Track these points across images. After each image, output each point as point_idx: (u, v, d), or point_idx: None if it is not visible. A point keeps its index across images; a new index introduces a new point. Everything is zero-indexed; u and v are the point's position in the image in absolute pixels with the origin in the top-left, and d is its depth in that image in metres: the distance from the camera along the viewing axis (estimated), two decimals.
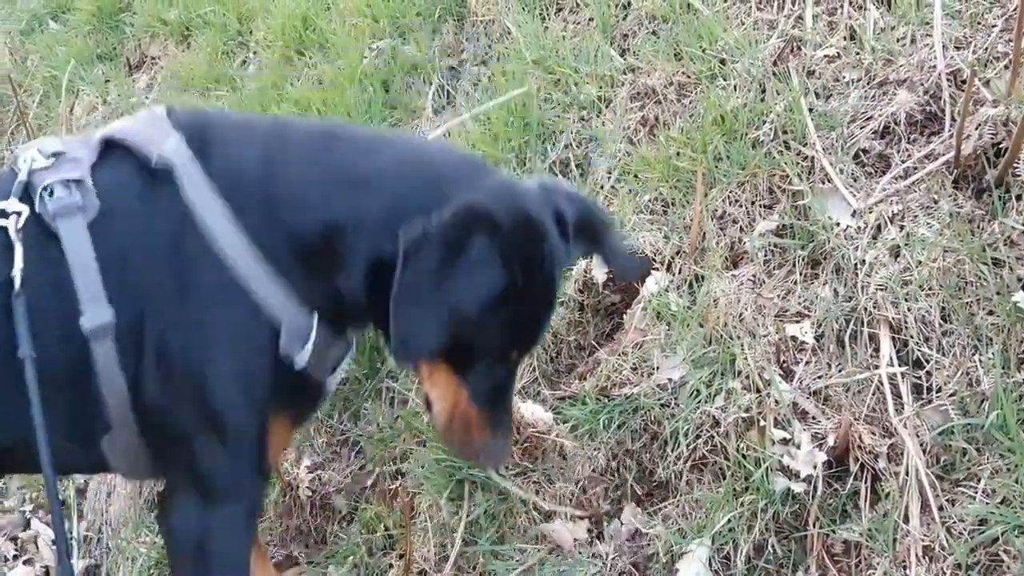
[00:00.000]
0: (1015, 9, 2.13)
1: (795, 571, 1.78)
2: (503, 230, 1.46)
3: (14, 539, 2.69)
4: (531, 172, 2.62)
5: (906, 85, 2.17)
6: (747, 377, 1.97)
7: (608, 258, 1.76)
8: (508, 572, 1.93)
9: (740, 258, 2.19)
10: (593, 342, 2.25)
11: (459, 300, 1.45)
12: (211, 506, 1.58)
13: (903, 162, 2.09)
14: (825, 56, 2.35)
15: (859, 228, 2.04)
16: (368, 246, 1.50)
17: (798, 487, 1.81)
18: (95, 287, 1.49)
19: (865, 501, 1.77)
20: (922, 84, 2.15)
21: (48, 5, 5.05)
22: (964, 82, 2.08)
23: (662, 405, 2.03)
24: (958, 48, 2.16)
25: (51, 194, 1.51)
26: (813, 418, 1.89)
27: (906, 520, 1.70)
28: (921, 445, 1.77)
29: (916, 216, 1.99)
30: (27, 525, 2.75)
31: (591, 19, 2.83)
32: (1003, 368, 1.74)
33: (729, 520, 1.83)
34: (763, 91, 2.36)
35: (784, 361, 1.99)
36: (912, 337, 1.88)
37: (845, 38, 2.35)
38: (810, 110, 2.25)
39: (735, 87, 2.41)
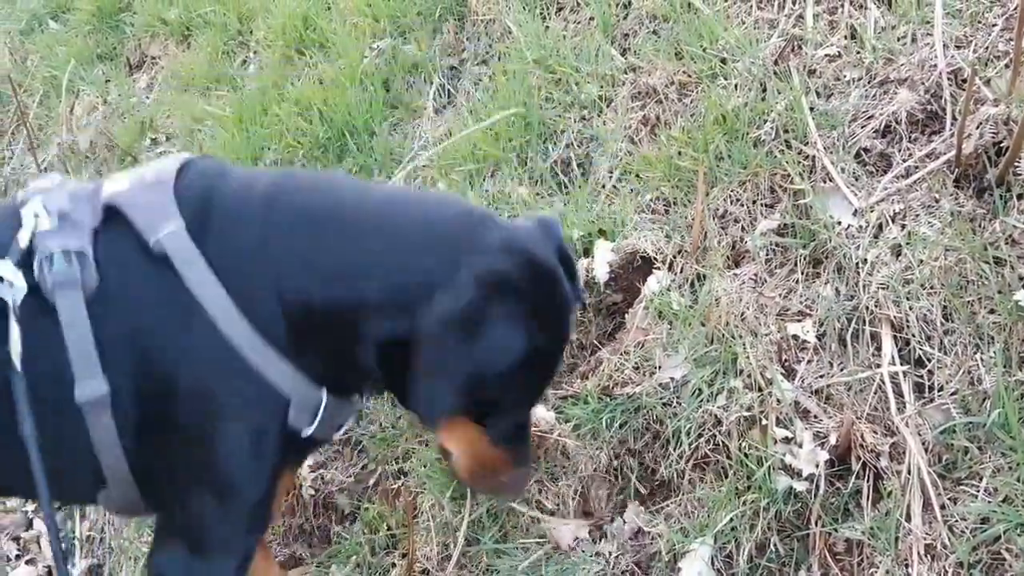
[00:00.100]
0: (1015, 8, 2.13)
1: (797, 570, 1.78)
2: (520, 292, 1.46)
3: (16, 539, 2.69)
4: (532, 172, 2.63)
5: (907, 84, 2.18)
6: (749, 376, 1.97)
7: None
8: (511, 571, 1.93)
9: (742, 257, 2.19)
10: (595, 341, 2.25)
11: (486, 369, 1.45)
12: (203, 557, 1.57)
13: (904, 161, 2.09)
14: (826, 55, 2.35)
15: (860, 227, 2.05)
16: (379, 324, 1.49)
17: (800, 486, 1.81)
18: (91, 361, 1.48)
19: (867, 500, 1.78)
20: (923, 83, 2.15)
21: (48, 5, 5.05)
22: (965, 81, 2.08)
23: (664, 404, 2.03)
24: (959, 47, 2.16)
25: (51, 264, 1.49)
26: (815, 417, 1.90)
27: (908, 519, 1.71)
28: (923, 444, 1.77)
29: (917, 215, 1.99)
30: (29, 525, 2.75)
31: (592, 18, 2.83)
32: (1005, 367, 1.75)
33: (731, 519, 1.83)
34: (764, 90, 2.36)
35: (786, 360, 1.99)
36: (914, 336, 1.88)
37: (846, 37, 2.35)
38: (811, 109, 2.25)
39: (736, 86, 2.41)
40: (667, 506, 1.94)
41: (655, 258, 2.26)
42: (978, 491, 1.67)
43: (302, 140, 3.16)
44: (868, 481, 1.79)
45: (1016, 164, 1.90)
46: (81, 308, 1.48)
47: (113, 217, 1.55)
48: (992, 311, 1.82)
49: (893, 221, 2.01)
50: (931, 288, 1.90)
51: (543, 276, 1.52)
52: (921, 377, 1.86)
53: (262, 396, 1.50)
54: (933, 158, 2.05)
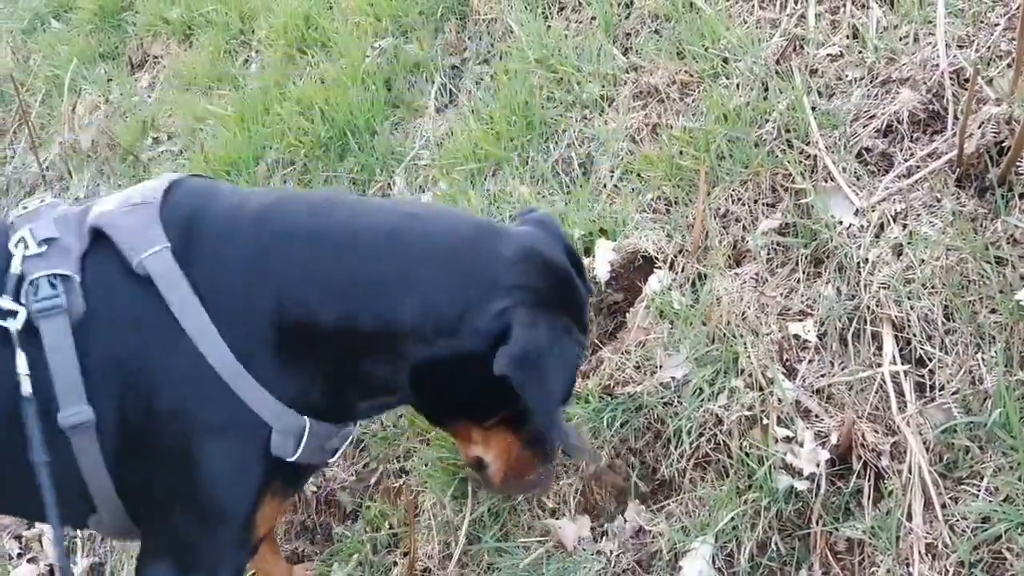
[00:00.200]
0: (1017, 8, 2.14)
1: (798, 569, 1.78)
2: (554, 301, 1.49)
3: (18, 537, 2.69)
4: (534, 171, 2.63)
5: (909, 84, 2.18)
6: (750, 375, 1.97)
7: None
8: (512, 569, 1.94)
9: (743, 256, 2.20)
10: (596, 341, 2.25)
11: (565, 383, 1.52)
12: (187, 573, 1.57)
13: (906, 161, 2.09)
14: (828, 55, 2.35)
15: (862, 227, 2.05)
16: (414, 354, 1.48)
17: (801, 485, 1.81)
18: (75, 387, 1.47)
19: (868, 499, 1.78)
20: (925, 83, 2.15)
21: (50, 4, 5.05)
22: (967, 80, 2.08)
23: (665, 403, 2.03)
24: (961, 47, 2.16)
25: (36, 291, 1.48)
26: (816, 416, 1.90)
27: (909, 518, 1.71)
28: (924, 443, 1.77)
29: (919, 215, 1.99)
30: (31, 523, 2.75)
31: (593, 18, 2.83)
32: (1006, 366, 1.75)
33: (732, 518, 1.83)
34: (766, 90, 2.36)
35: (787, 359, 1.99)
36: (915, 335, 1.88)
37: (848, 37, 2.35)
38: (813, 109, 2.25)
39: (738, 86, 2.41)
40: (668, 505, 1.94)
41: (656, 257, 2.26)
42: (979, 490, 1.68)
43: (304, 139, 3.17)
44: (869, 480, 1.79)
45: (1018, 163, 1.90)
46: (66, 334, 1.47)
47: (99, 240, 1.54)
48: (993, 311, 1.82)
49: (894, 221, 2.01)
50: (932, 288, 1.90)
51: (564, 281, 1.55)
52: (922, 376, 1.86)
53: (242, 422, 1.49)
54: (935, 158, 2.05)
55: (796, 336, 2.00)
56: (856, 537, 1.75)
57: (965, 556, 1.61)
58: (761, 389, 1.95)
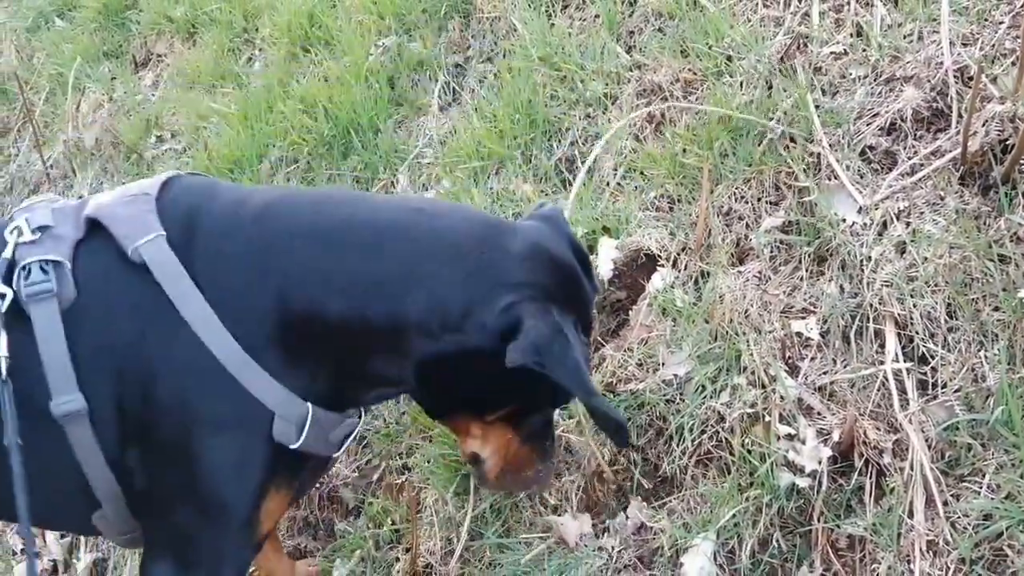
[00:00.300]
0: (1022, 6, 2.13)
1: (799, 566, 1.78)
2: (561, 298, 1.48)
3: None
4: (537, 169, 2.63)
5: (913, 82, 2.18)
6: (752, 373, 1.97)
7: None
8: (514, 565, 1.94)
9: (746, 254, 2.20)
10: (599, 338, 2.25)
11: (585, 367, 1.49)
12: (190, 570, 1.56)
13: (909, 159, 2.09)
14: (832, 53, 2.35)
15: (865, 224, 2.05)
16: (420, 348, 1.48)
17: (803, 482, 1.81)
18: (66, 374, 1.46)
19: (870, 496, 1.78)
20: (929, 81, 2.15)
21: (54, 2, 5.06)
22: (971, 79, 2.08)
23: (667, 401, 2.03)
24: (965, 45, 2.16)
25: (28, 275, 1.48)
26: (818, 414, 1.90)
27: (910, 515, 1.71)
28: (926, 441, 1.77)
29: (922, 213, 1.99)
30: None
31: (597, 16, 2.84)
32: (1009, 364, 1.75)
33: (734, 515, 1.83)
34: (769, 88, 2.36)
35: (790, 357, 1.99)
36: (917, 333, 1.88)
37: (852, 35, 2.35)
38: (816, 107, 2.25)
39: (741, 84, 2.41)
40: (670, 502, 1.94)
41: (659, 255, 2.26)
42: (981, 488, 1.67)
43: (307, 137, 3.17)
44: (871, 478, 1.79)
45: (1022, 162, 1.90)
46: (56, 320, 1.47)
47: (95, 230, 1.55)
48: (996, 308, 1.82)
49: (898, 218, 2.01)
50: (935, 285, 1.90)
51: (570, 278, 1.54)
52: (925, 374, 1.86)
53: (244, 409, 1.48)
54: (938, 155, 2.05)
55: (799, 334, 2.00)
56: (857, 534, 1.75)
57: (966, 553, 1.61)
58: (763, 386, 1.95)
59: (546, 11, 2.97)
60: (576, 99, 2.69)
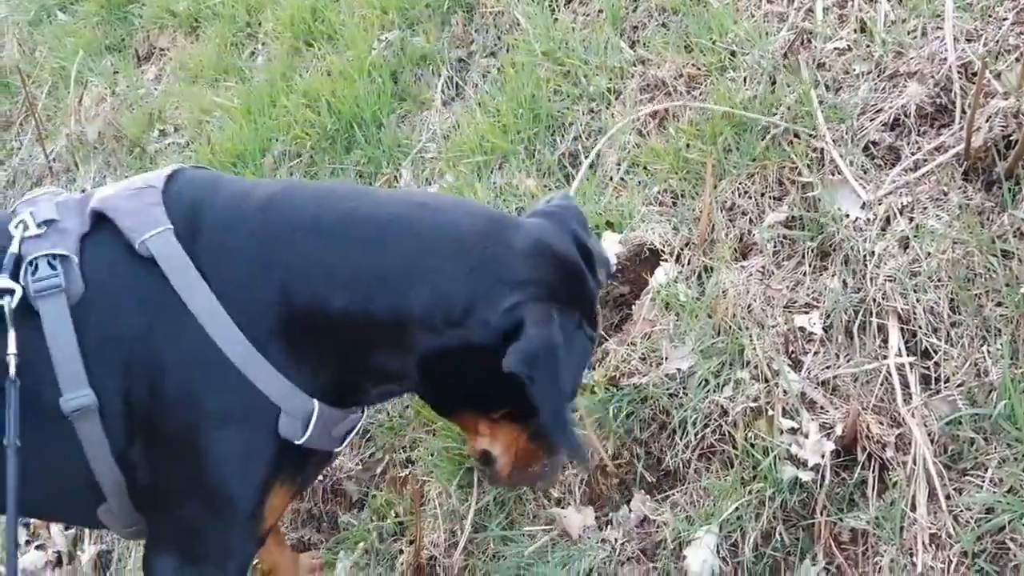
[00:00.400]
0: None
1: (802, 559, 1.79)
2: (564, 296, 1.47)
3: (26, 525, 2.71)
4: (540, 164, 2.64)
5: (917, 77, 2.18)
6: (755, 367, 1.98)
7: None
8: (517, 557, 1.95)
9: (749, 249, 2.20)
10: (602, 332, 2.26)
11: (575, 381, 1.50)
12: (194, 564, 1.56)
13: (913, 154, 2.10)
14: (835, 48, 2.36)
15: (868, 220, 2.05)
16: (422, 343, 1.47)
17: (806, 476, 1.82)
18: (75, 369, 1.46)
19: (872, 490, 1.79)
20: (933, 76, 2.16)
21: None
22: (975, 74, 2.08)
23: (670, 395, 2.04)
24: (969, 41, 2.17)
25: (35, 270, 1.47)
26: (821, 408, 1.91)
27: (913, 509, 1.72)
28: (929, 435, 1.78)
29: (925, 208, 2.00)
30: None
31: (601, 11, 2.84)
32: (1011, 359, 1.75)
33: (737, 508, 1.84)
34: (773, 83, 2.37)
35: (793, 351, 2.00)
36: (920, 328, 1.89)
37: (855, 30, 2.35)
38: (820, 102, 2.26)
39: (745, 79, 2.42)
40: (673, 495, 1.95)
41: (662, 250, 2.26)
42: (983, 482, 1.68)
43: (310, 131, 3.17)
44: (873, 472, 1.80)
45: None
46: (65, 314, 1.46)
47: (100, 223, 1.54)
48: (999, 304, 1.83)
49: (901, 214, 2.02)
50: (938, 280, 1.90)
51: (574, 275, 1.52)
52: (927, 369, 1.87)
53: (251, 405, 1.48)
54: (942, 151, 2.06)
55: (802, 328, 2.01)
56: (860, 527, 1.75)
57: (969, 546, 1.62)
58: (766, 381, 1.95)
59: (549, 6, 2.97)
60: (579, 94, 2.70)
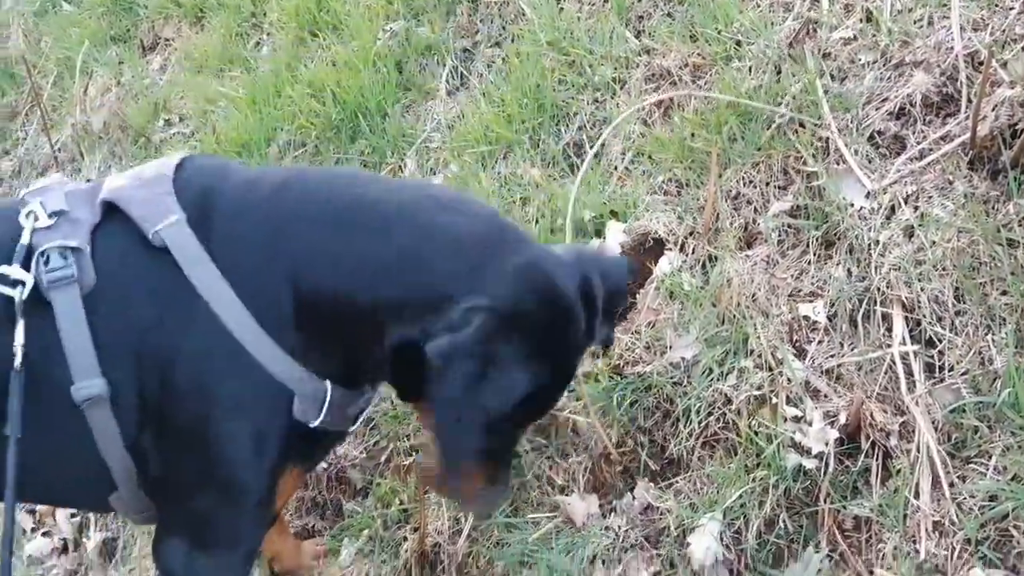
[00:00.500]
0: None
1: (806, 546, 1.80)
2: (531, 326, 1.43)
3: (32, 512, 2.72)
4: (545, 154, 2.64)
5: (923, 67, 2.18)
6: (759, 356, 1.99)
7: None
8: (521, 544, 1.95)
9: (754, 238, 2.20)
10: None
11: (493, 406, 1.42)
12: (204, 549, 1.58)
13: (918, 143, 2.10)
14: (841, 38, 2.35)
15: (873, 209, 2.05)
16: (394, 326, 1.47)
17: (810, 463, 1.82)
18: (88, 359, 1.47)
19: (876, 478, 1.79)
20: (939, 66, 2.15)
21: None
22: (981, 64, 2.08)
23: (674, 383, 2.04)
24: (975, 30, 2.16)
25: (47, 261, 1.48)
26: (825, 396, 1.91)
27: (916, 496, 1.72)
28: (933, 423, 1.78)
29: (931, 197, 1.99)
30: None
31: (606, 0, 2.83)
32: (1016, 347, 1.75)
33: (740, 495, 1.84)
34: (778, 72, 2.37)
35: (797, 340, 2.00)
36: (925, 316, 1.89)
37: (861, 20, 2.35)
38: (825, 92, 2.25)
39: (750, 69, 2.42)
40: (677, 482, 1.95)
41: (667, 239, 2.26)
42: (987, 470, 1.69)
43: (315, 121, 3.17)
44: (877, 459, 1.80)
45: None
46: (78, 305, 1.47)
47: (111, 213, 1.54)
48: (1004, 292, 1.83)
49: (906, 203, 2.02)
50: (943, 269, 1.90)
51: (557, 311, 1.47)
52: (932, 357, 1.87)
53: (265, 390, 1.49)
54: (947, 140, 2.06)
55: (806, 317, 2.01)
56: (864, 515, 1.76)
57: (972, 533, 1.62)
58: (770, 369, 1.96)
59: None
60: (584, 84, 2.70)
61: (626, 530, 1.89)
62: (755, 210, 2.23)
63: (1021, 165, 1.92)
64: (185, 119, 3.78)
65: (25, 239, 1.50)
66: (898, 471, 1.76)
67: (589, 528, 1.93)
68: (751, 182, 2.25)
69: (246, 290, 1.48)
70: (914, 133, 2.12)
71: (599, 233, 2.34)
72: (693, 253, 2.24)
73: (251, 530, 1.62)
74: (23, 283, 1.47)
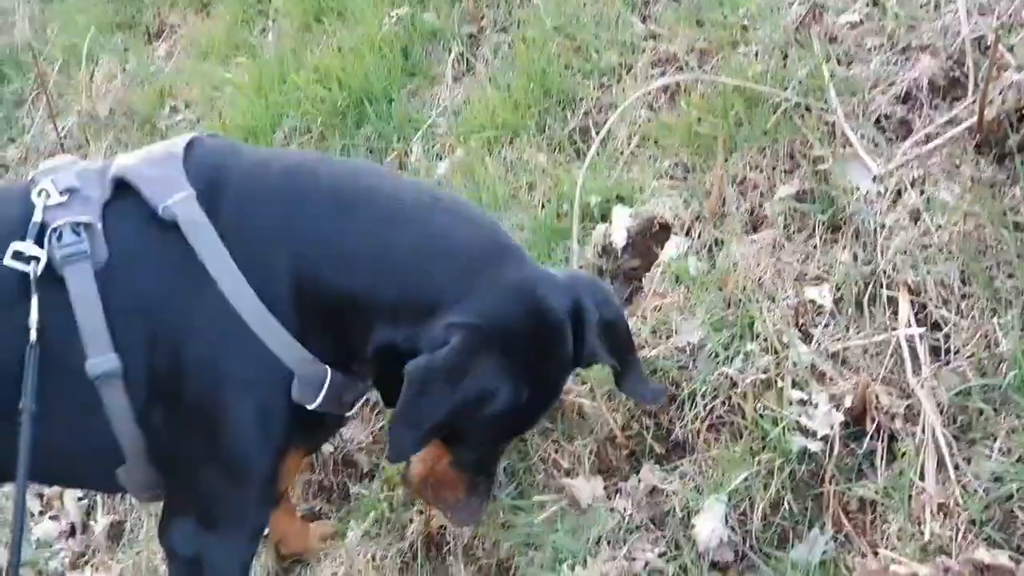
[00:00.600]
0: None
1: (811, 527, 1.80)
2: (515, 343, 1.44)
3: (40, 495, 2.74)
4: (551, 139, 2.64)
5: (929, 51, 2.18)
6: (765, 340, 1.99)
7: (622, 381, 1.70)
8: (527, 526, 1.96)
9: (760, 223, 2.20)
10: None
11: (460, 416, 1.44)
12: (211, 529, 1.59)
13: (925, 127, 2.10)
14: (847, 22, 2.35)
15: (879, 193, 2.05)
16: (383, 327, 1.49)
17: (815, 446, 1.82)
18: (101, 335, 1.48)
19: (881, 460, 1.79)
20: (945, 50, 2.15)
21: None
22: (988, 47, 2.07)
23: (680, 367, 2.04)
24: (982, 14, 2.15)
25: (60, 237, 1.50)
26: (831, 379, 1.91)
27: (921, 478, 1.72)
28: (938, 406, 1.78)
29: (937, 181, 1.99)
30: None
31: None
32: (1022, 330, 1.75)
33: (746, 478, 1.84)
34: (785, 57, 2.36)
35: (803, 324, 2.00)
36: (931, 300, 1.89)
37: (868, 4, 2.35)
38: (832, 76, 2.25)
39: (756, 54, 2.41)
40: (682, 465, 1.96)
41: (673, 224, 2.27)
42: (992, 452, 1.69)
43: (320, 107, 3.17)
44: (882, 442, 1.80)
45: None
46: (90, 281, 1.49)
47: (122, 190, 1.56)
48: (1011, 276, 1.83)
49: (912, 187, 2.02)
50: (949, 253, 1.91)
51: (542, 330, 1.48)
52: (937, 341, 1.87)
53: (266, 369, 1.51)
54: (954, 124, 2.05)
55: (812, 301, 2.01)
56: (869, 497, 1.76)
57: (977, 515, 1.63)
58: (776, 353, 1.96)
59: None
60: (591, 69, 2.70)
61: (631, 512, 1.90)
62: (761, 194, 2.23)
63: None
64: (191, 106, 3.79)
65: (38, 216, 1.51)
66: (903, 453, 1.76)
67: (594, 510, 1.93)
68: (757, 166, 2.25)
69: (252, 270, 1.50)
70: (920, 117, 2.12)
71: (605, 218, 2.35)
72: (699, 237, 2.24)
73: (256, 509, 1.64)
74: (37, 259, 1.48)
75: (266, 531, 1.99)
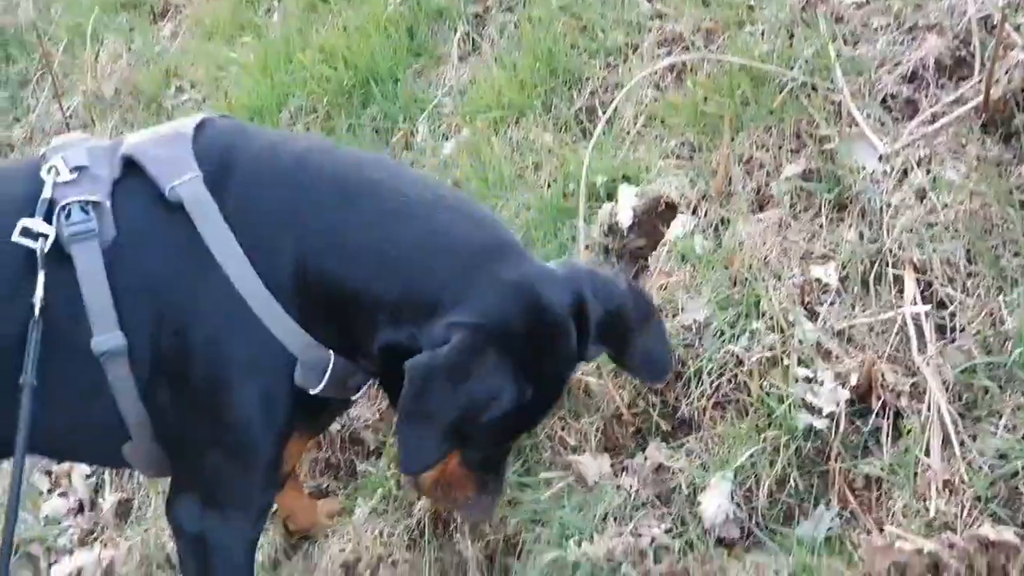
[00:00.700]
0: None
1: (816, 504, 1.82)
2: (517, 341, 1.42)
3: (48, 472, 2.75)
4: (557, 119, 2.64)
5: (936, 30, 2.18)
6: (771, 318, 2.00)
7: (628, 363, 1.66)
8: (534, 503, 1.98)
9: (766, 202, 2.21)
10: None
11: (465, 419, 1.42)
12: (215, 509, 1.60)
13: (931, 107, 2.10)
14: (854, 2, 2.36)
15: (885, 172, 2.06)
16: (385, 323, 1.48)
17: (820, 423, 1.84)
18: (107, 313, 1.49)
19: (887, 437, 1.81)
20: (952, 29, 2.15)
21: None
22: (994, 27, 2.07)
23: (686, 345, 2.05)
24: None
25: (68, 215, 1.50)
26: (836, 357, 1.92)
27: (927, 455, 1.73)
28: (944, 383, 1.79)
29: (943, 160, 2.00)
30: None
31: None
32: None
33: (752, 455, 1.86)
34: (791, 37, 2.37)
35: (808, 302, 2.01)
36: (936, 278, 1.90)
37: None
38: (838, 56, 2.25)
39: (763, 33, 2.41)
40: (688, 442, 1.97)
41: (679, 203, 2.27)
42: (997, 429, 1.70)
43: (326, 87, 3.17)
44: (888, 419, 1.82)
45: None
46: (98, 259, 1.49)
47: (131, 169, 1.56)
48: (1016, 254, 1.84)
49: (918, 166, 2.02)
50: (955, 231, 1.91)
51: (544, 327, 1.46)
52: (943, 318, 1.88)
53: (269, 352, 1.51)
54: (960, 104, 2.06)
55: (818, 279, 2.02)
56: (874, 474, 1.78)
57: (982, 491, 1.64)
58: (782, 331, 1.97)
59: None
60: (597, 48, 2.69)
61: (638, 489, 1.91)
62: (767, 174, 2.23)
63: None
64: (196, 85, 3.79)
65: (47, 193, 1.52)
66: (908, 431, 1.78)
67: (601, 487, 1.95)
68: (763, 146, 2.26)
69: (256, 254, 1.50)
70: (927, 97, 2.12)
71: (611, 197, 2.35)
72: (705, 216, 2.24)
73: (260, 492, 1.65)
74: (45, 236, 1.48)
75: (274, 508, 2.01)
